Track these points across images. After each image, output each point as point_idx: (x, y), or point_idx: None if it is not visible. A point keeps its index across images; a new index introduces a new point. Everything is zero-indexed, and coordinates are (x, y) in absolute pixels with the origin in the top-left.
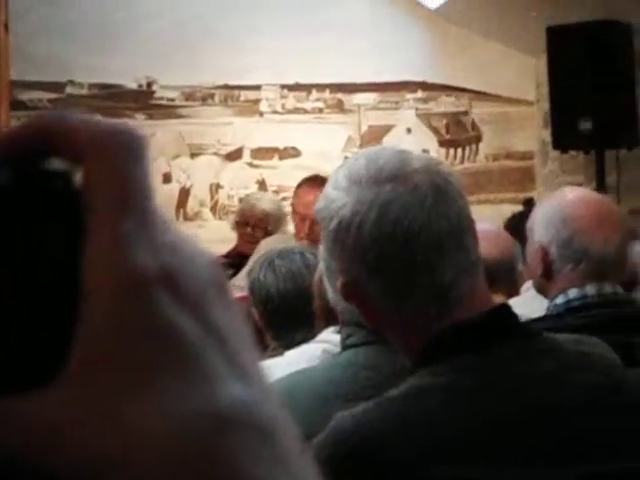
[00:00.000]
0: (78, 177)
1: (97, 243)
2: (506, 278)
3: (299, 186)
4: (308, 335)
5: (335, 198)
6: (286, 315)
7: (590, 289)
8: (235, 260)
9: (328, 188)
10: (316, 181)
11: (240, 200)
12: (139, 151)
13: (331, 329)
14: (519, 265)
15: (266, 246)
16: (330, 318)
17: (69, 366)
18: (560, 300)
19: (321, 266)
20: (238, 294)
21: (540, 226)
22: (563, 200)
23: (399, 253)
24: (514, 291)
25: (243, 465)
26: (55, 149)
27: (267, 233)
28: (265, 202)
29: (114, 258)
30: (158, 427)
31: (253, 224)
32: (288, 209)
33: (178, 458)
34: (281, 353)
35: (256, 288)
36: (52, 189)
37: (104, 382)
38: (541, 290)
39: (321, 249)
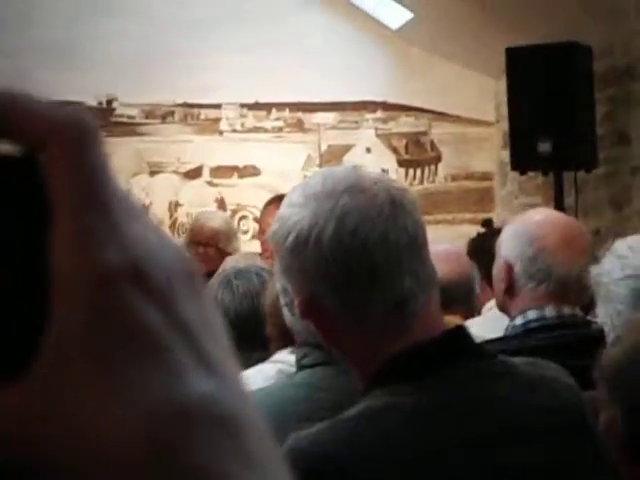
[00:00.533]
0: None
1: (62, 237)
2: (464, 299)
3: (266, 205)
4: (264, 354)
5: (291, 214)
6: (243, 334)
7: (549, 311)
8: None
9: (282, 209)
10: (280, 201)
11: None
12: (95, 138)
13: (287, 350)
14: (477, 286)
15: (234, 261)
16: (284, 340)
17: (37, 360)
18: (519, 321)
19: (277, 288)
20: None
21: (507, 242)
22: (532, 219)
23: (358, 263)
24: (472, 312)
25: (206, 459)
26: (7, 133)
27: (219, 251)
28: (214, 220)
29: (80, 253)
30: (122, 420)
31: (204, 243)
32: (246, 227)
33: (141, 452)
34: None
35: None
36: (14, 176)
37: (70, 376)
38: (503, 308)
39: (277, 270)
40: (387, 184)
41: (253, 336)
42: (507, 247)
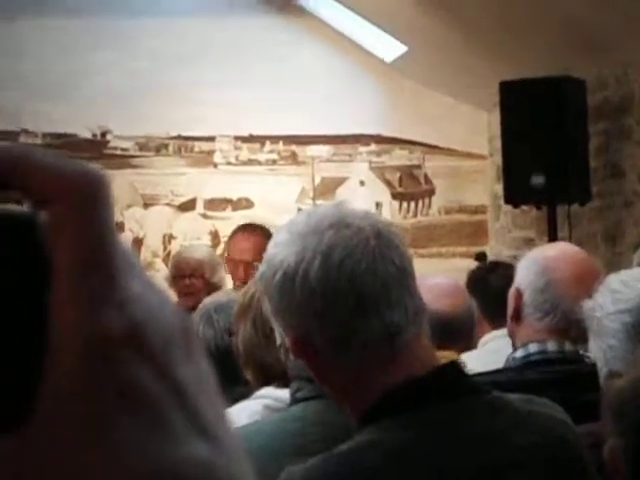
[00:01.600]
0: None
1: (63, 298)
2: (468, 333)
3: (233, 234)
4: (246, 390)
5: (276, 253)
6: (226, 369)
7: (551, 345)
8: None
9: (268, 250)
10: (247, 228)
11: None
12: (104, 196)
13: (272, 385)
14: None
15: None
16: (265, 378)
17: (32, 418)
18: (520, 354)
19: (248, 326)
20: None
21: (522, 270)
22: (548, 250)
23: (346, 296)
24: (471, 344)
25: None
26: (17, 186)
27: (204, 281)
28: (198, 251)
29: (79, 315)
30: None
31: (189, 274)
32: None
33: None
34: None
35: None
36: (16, 233)
37: (64, 438)
38: (511, 334)
39: (268, 312)
40: (372, 219)
41: (235, 371)
42: (521, 275)
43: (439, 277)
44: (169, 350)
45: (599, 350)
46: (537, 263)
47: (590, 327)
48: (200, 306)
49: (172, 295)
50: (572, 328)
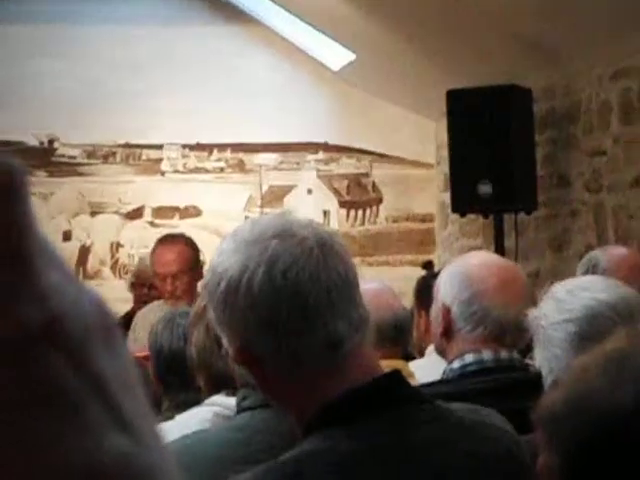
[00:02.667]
0: None
1: None
2: (395, 337)
3: (154, 248)
4: (198, 396)
5: (220, 262)
6: (176, 373)
7: (487, 354)
8: (126, 324)
9: (213, 259)
10: (168, 239)
11: (138, 260)
12: (20, 189)
13: (222, 392)
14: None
15: (142, 316)
16: (216, 385)
17: None
18: (456, 364)
19: (202, 334)
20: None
21: (445, 285)
22: (469, 262)
23: (289, 305)
24: (407, 351)
25: None
26: None
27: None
28: None
29: None
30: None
31: (149, 285)
32: None
33: None
34: (172, 416)
35: (152, 342)
36: None
37: None
38: (441, 351)
39: (213, 322)
40: (316, 228)
41: (185, 377)
42: (444, 290)
43: (369, 282)
44: (88, 343)
45: (544, 359)
46: (460, 275)
47: (535, 336)
48: (139, 320)
49: (126, 301)
50: (506, 335)
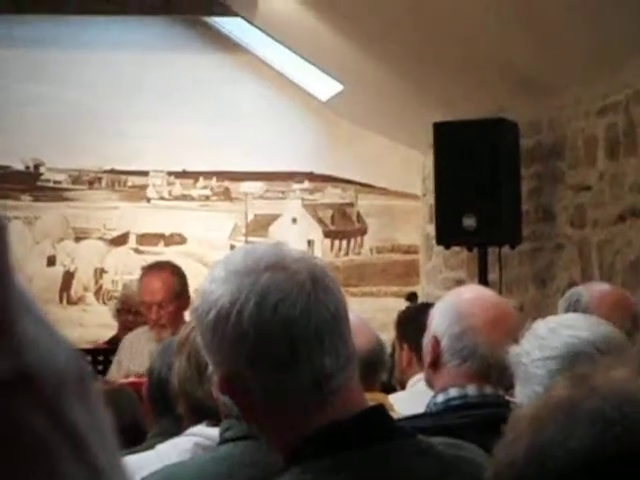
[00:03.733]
0: None
1: None
2: (373, 371)
3: (141, 276)
4: (179, 425)
5: (212, 290)
6: (161, 401)
7: (471, 389)
8: (111, 350)
9: (205, 284)
10: (155, 267)
11: (124, 286)
12: None
13: (203, 423)
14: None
15: (129, 340)
16: (197, 415)
17: None
18: (440, 398)
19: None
20: (127, 380)
21: (437, 317)
22: (463, 296)
23: (278, 339)
24: (380, 382)
25: None
26: None
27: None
28: None
29: None
30: None
31: (134, 312)
32: None
33: None
34: (158, 442)
35: (147, 368)
36: None
37: None
38: (429, 382)
39: (200, 347)
40: (308, 262)
41: (171, 404)
42: (437, 321)
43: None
44: (62, 395)
45: (525, 396)
46: (452, 309)
47: (516, 373)
48: (126, 343)
49: (115, 325)
50: (492, 372)
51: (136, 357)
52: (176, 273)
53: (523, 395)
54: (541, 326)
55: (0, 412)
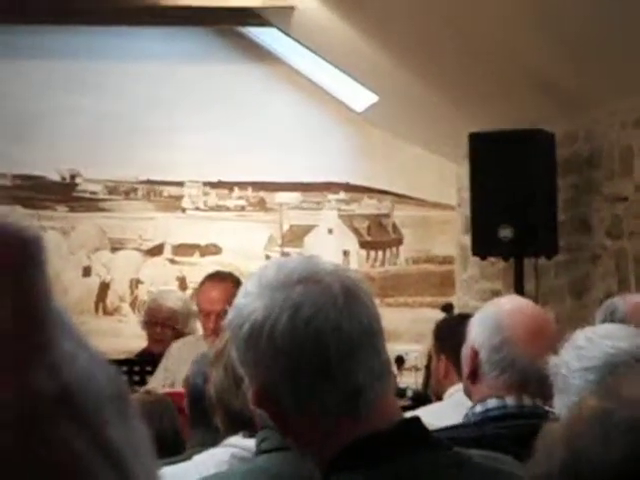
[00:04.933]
0: None
1: None
2: None
3: (202, 284)
4: (216, 435)
5: (246, 304)
6: (199, 411)
7: (510, 400)
8: (146, 360)
9: (238, 298)
10: (217, 277)
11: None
12: (38, 258)
13: (240, 434)
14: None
15: (177, 348)
16: (235, 426)
17: None
18: (479, 409)
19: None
20: (167, 390)
21: (476, 328)
22: (502, 307)
23: (311, 352)
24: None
25: None
26: None
27: (175, 331)
28: (172, 300)
29: (8, 381)
30: None
31: (161, 323)
32: None
33: None
34: (196, 452)
35: (185, 379)
36: None
37: None
38: (467, 392)
39: (234, 359)
40: (342, 274)
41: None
42: (476, 332)
43: None
44: (101, 412)
45: (563, 406)
46: (491, 320)
47: (555, 383)
48: (173, 353)
49: (144, 338)
50: (530, 383)
51: (184, 365)
52: (237, 285)
53: (562, 405)
54: (580, 337)
55: (39, 429)
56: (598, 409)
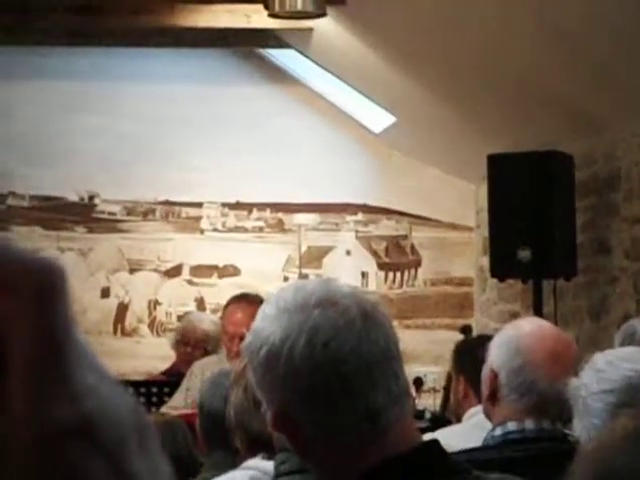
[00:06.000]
0: None
1: (17, 388)
2: None
3: (227, 305)
4: (236, 456)
5: (263, 327)
6: (215, 433)
7: (529, 423)
8: (173, 379)
9: (256, 322)
10: (244, 299)
11: (179, 318)
12: (61, 289)
13: (259, 456)
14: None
15: (200, 367)
16: (254, 448)
17: None
18: (498, 432)
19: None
20: (181, 411)
21: (496, 350)
22: (522, 329)
23: (330, 377)
24: None
25: None
26: None
27: (206, 353)
28: (206, 323)
29: (30, 411)
30: None
31: (193, 344)
32: None
33: None
34: (210, 477)
35: (198, 400)
36: None
37: None
38: (487, 414)
39: (253, 384)
40: (359, 297)
41: (224, 437)
42: (495, 354)
43: None
44: (123, 443)
45: (583, 429)
46: (511, 343)
47: (575, 406)
48: (196, 372)
49: (162, 359)
50: (550, 407)
51: None
52: None
53: (582, 428)
54: (600, 359)
55: (60, 457)
56: (630, 427)
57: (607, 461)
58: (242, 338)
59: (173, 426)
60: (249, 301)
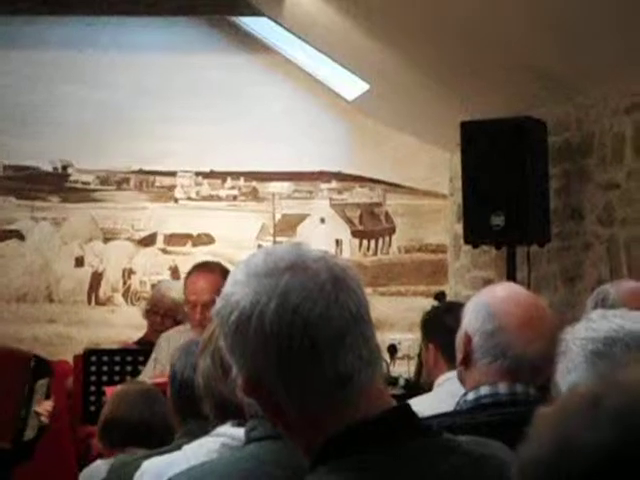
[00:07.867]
0: None
1: None
2: None
3: (189, 274)
4: (207, 424)
5: (233, 292)
6: (187, 402)
7: (502, 387)
8: (145, 348)
9: (226, 287)
10: (204, 268)
11: (153, 287)
12: None
13: (229, 423)
14: None
15: (166, 338)
16: (224, 415)
17: None
18: (471, 396)
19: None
20: (156, 380)
21: (470, 314)
22: (497, 293)
23: (300, 340)
24: None
25: None
26: None
27: (176, 322)
28: (175, 291)
29: None
30: None
31: (162, 314)
32: None
33: None
34: (184, 443)
35: (170, 371)
36: None
37: None
38: (461, 379)
39: (223, 349)
40: (329, 261)
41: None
42: (469, 319)
43: None
44: None
45: (562, 372)
46: (485, 307)
47: (559, 349)
48: (162, 343)
49: (137, 328)
50: (523, 371)
51: None
52: (225, 276)
53: (560, 371)
54: (597, 313)
55: None
56: (588, 394)
57: (563, 430)
58: (204, 306)
59: (150, 394)
60: (210, 269)
